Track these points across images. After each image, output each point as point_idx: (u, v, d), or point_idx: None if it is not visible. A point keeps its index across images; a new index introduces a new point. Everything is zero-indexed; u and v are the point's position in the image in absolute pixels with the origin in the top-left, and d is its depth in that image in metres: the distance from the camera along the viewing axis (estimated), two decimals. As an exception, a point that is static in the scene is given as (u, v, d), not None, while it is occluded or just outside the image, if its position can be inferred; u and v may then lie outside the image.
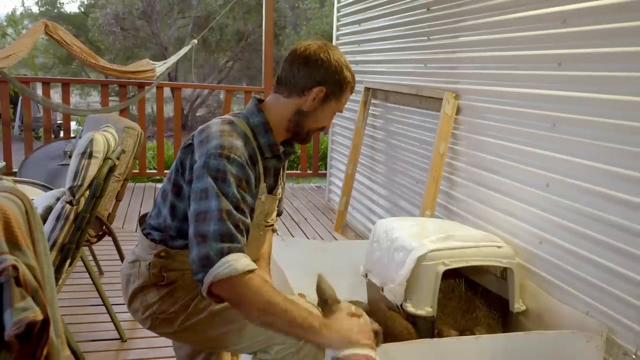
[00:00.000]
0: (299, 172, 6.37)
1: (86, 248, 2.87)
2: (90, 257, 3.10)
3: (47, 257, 1.11)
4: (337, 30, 5.01)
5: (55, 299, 1.14)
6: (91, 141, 2.04)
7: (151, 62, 5.45)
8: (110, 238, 2.78)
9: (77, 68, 17.16)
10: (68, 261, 2.03)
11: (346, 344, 1.32)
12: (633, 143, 1.82)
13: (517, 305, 2.22)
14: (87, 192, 2.04)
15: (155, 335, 1.58)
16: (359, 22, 4.46)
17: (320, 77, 1.47)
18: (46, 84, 5.33)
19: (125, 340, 2.46)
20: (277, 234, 2.29)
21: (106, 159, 2.08)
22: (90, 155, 2.03)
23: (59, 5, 19.81)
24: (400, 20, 3.65)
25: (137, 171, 5.42)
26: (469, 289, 2.44)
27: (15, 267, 0.93)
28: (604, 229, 1.93)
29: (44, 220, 2.00)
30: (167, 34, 17.09)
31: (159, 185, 3.97)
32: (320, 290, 1.50)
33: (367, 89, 4.00)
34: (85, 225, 2.05)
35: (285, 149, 1.57)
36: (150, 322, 1.51)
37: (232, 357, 1.79)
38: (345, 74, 1.50)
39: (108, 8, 16.18)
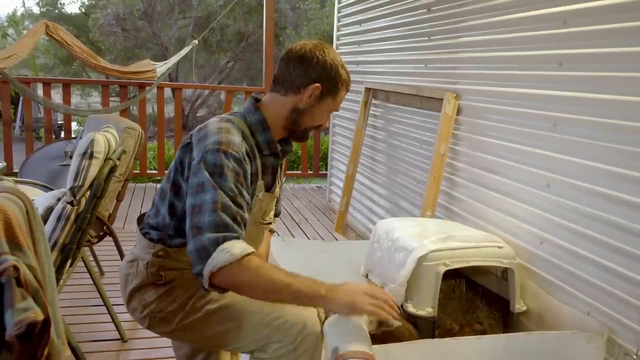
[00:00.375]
0: (299, 172, 6.36)
1: (87, 248, 2.88)
2: (91, 258, 3.11)
3: (47, 258, 1.11)
4: (338, 30, 5.01)
5: (56, 299, 1.14)
6: (92, 142, 2.04)
7: (152, 62, 5.45)
8: (111, 238, 2.78)
9: (78, 68, 17.17)
10: (69, 261, 2.03)
11: (351, 307, 1.34)
12: (633, 143, 1.82)
13: (518, 306, 2.22)
14: (88, 193, 2.04)
15: (156, 335, 1.58)
16: (359, 22, 4.46)
17: (315, 75, 1.49)
18: (47, 84, 5.34)
19: (126, 341, 2.46)
20: (278, 234, 2.29)
21: (107, 159, 2.08)
22: (91, 156, 2.03)
23: (59, 6, 19.81)
24: (400, 21, 3.65)
25: (138, 171, 5.43)
26: (469, 289, 2.44)
27: (16, 268, 0.93)
28: (605, 229, 1.93)
29: (45, 220, 2.00)
30: (167, 34, 17.09)
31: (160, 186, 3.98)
32: None
33: (367, 89, 4.00)
34: (86, 225, 2.05)
35: (282, 147, 1.58)
36: (148, 321, 1.51)
37: (232, 356, 1.79)
38: (341, 72, 1.52)
39: (109, 8, 16.18)
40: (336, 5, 5.03)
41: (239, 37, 16.72)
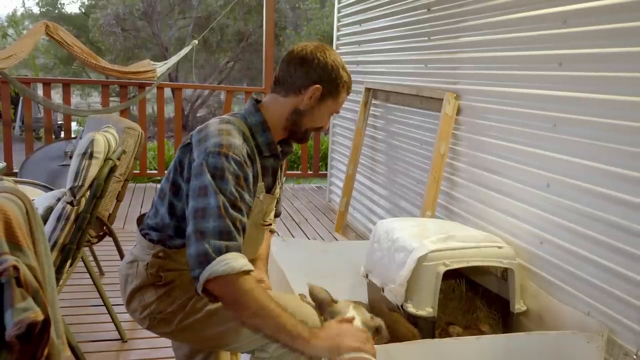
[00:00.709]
0: (299, 172, 6.36)
1: (87, 248, 2.88)
2: (91, 258, 3.10)
3: (47, 258, 1.11)
4: (338, 30, 5.01)
5: (56, 300, 1.14)
6: (92, 142, 2.04)
7: (152, 62, 5.45)
8: (110, 238, 2.78)
9: (78, 68, 17.17)
10: (69, 261, 2.03)
11: (337, 350, 1.31)
12: (633, 143, 1.82)
13: (518, 306, 2.22)
14: (88, 193, 2.04)
15: (156, 335, 1.58)
16: (359, 22, 4.46)
17: (316, 76, 1.49)
18: (47, 84, 5.34)
19: (126, 341, 2.46)
20: (278, 234, 2.29)
21: (107, 159, 2.08)
22: (91, 156, 2.03)
23: (59, 6, 19.81)
24: (401, 21, 3.65)
25: (138, 172, 5.42)
26: (469, 289, 2.44)
27: (16, 268, 0.93)
28: (605, 229, 1.93)
29: (45, 220, 2.00)
30: (167, 34, 17.09)
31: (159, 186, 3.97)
32: (313, 297, 1.50)
33: (367, 90, 4.00)
34: (86, 225, 2.05)
35: (283, 148, 1.58)
36: (148, 321, 1.51)
37: (232, 356, 1.79)
38: (342, 74, 1.52)
39: (109, 9, 16.18)
40: (336, 5, 5.02)
41: (239, 37, 16.72)
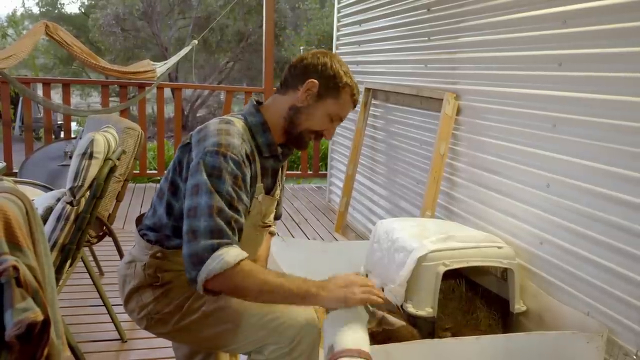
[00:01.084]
0: (299, 172, 6.36)
1: (87, 248, 2.88)
2: (91, 258, 3.10)
3: (47, 258, 1.11)
4: (338, 30, 5.01)
5: (56, 300, 1.14)
6: (92, 142, 2.04)
7: (152, 62, 5.45)
8: (110, 238, 2.78)
9: (78, 69, 17.17)
10: (68, 262, 2.03)
11: (343, 301, 1.35)
12: (633, 143, 1.82)
13: (518, 306, 2.22)
14: (88, 193, 2.04)
15: (156, 336, 1.58)
16: (359, 22, 4.46)
17: (313, 71, 1.50)
18: (47, 84, 5.34)
19: (126, 341, 2.46)
20: (278, 235, 2.29)
21: (107, 159, 2.08)
22: (91, 156, 2.03)
23: (59, 6, 19.82)
24: (400, 21, 3.65)
25: (138, 172, 5.42)
26: (469, 289, 2.44)
27: (15, 268, 0.93)
28: (605, 230, 1.93)
29: (45, 220, 2.00)
30: (167, 34, 17.10)
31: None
32: None
33: (367, 90, 4.01)
34: (86, 225, 2.05)
35: (283, 150, 1.57)
36: (145, 322, 1.52)
37: (231, 358, 1.79)
38: (341, 75, 1.50)
39: (108, 9, 16.19)
40: (336, 5, 5.02)
41: (239, 37, 16.73)
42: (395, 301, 2.13)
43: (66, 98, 5.38)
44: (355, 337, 1.33)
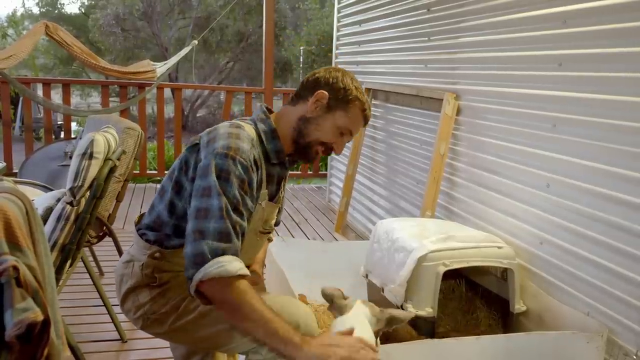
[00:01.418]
0: (299, 172, 6.36)
1: (87, 249, 2.88)
2: (91, 258, 3.10)
3: (47, 258, 1.11)
4: (338, 30, 5.01)
5: (56, 300, 1.14)
6: (92, 142, 2.04)
7: (152, 62, 5.44)
8: (110, 239, 2.78)
9: (78, 69, 17.18)
10: (69, 262, 2.03)
11: (320, 358, 1.24)
12: (634, 143, 1.82)
13: (518, 306, 2.22)
14: (88, 193, 2.04)
15: (153, 336, 1.58)
16: (359, 22, 4.46)
17: (324, 84, 1.51)
18: (47, 84, 5.33)
19: (126, 341, 2.46)
20: (278, 235, 2.29)
21: (107, 159, 2.08)
22: (91, 156, 2.03)
23: (59, 6, 19.83)
24: (400, 21, 3.65)
25: (138, 172, 5.42)
26: (469, 289, 2.44)
27: (15, 268, 0.93)
28: (605, 230, 1.93)
29: (45, 221, 2.00)
30: (167, 34, 17.10)
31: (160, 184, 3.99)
32: (326, 296, 1.47)
33: (367, 90, 4.00)
34: (86, 225, 2.05)
35: (290, 157, 1.58)
36: (142, 322, 1.52)
37: (229, 358, 1.79)
38: (351, 88, 1.51)
39: (108, 9, 16.19)
40: (336, 6, 5.02)
41: (239, 38, 16.73)
42: (395, 301, 2.14)
43: (66, 98, 5.38)
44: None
